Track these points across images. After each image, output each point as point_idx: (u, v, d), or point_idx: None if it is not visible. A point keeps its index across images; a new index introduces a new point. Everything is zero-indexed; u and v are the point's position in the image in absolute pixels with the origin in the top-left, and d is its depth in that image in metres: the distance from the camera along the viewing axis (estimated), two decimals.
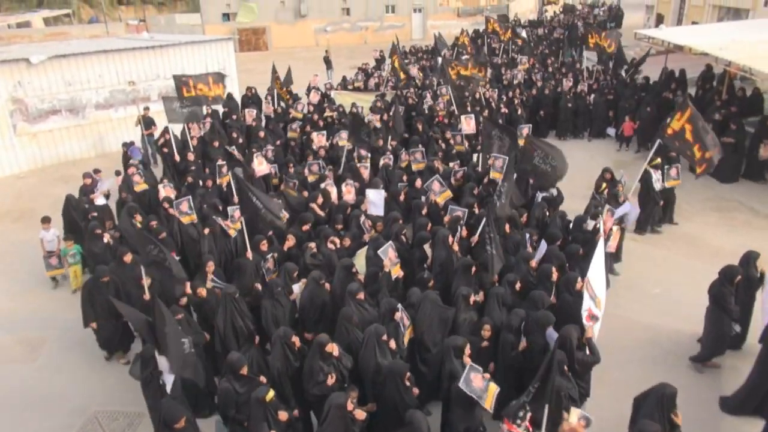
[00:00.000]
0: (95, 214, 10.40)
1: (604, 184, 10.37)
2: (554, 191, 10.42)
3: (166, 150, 13.47)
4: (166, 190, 10.60)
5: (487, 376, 5.51)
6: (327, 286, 7.44)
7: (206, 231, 9.05)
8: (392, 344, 6.34)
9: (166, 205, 10.01)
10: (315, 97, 17.44)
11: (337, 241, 8.62)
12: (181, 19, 41.13)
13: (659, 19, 31.34)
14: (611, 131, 16.90)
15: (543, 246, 8.50)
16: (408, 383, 5.81)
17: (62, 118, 16.98)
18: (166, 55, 18.68)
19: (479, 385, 5.35)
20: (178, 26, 37.73)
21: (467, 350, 6.04)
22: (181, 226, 9.60)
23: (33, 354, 8.78)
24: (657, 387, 5.42)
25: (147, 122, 15.40)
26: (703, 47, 15.13)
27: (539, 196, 10.19)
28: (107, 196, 11.54)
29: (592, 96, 17.54)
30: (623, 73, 19.46)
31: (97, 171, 12.44)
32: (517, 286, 7.32)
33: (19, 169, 16.42)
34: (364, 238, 8.97)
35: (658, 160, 10.95)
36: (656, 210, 11.26)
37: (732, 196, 12.84)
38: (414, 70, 21.39)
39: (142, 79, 18.09)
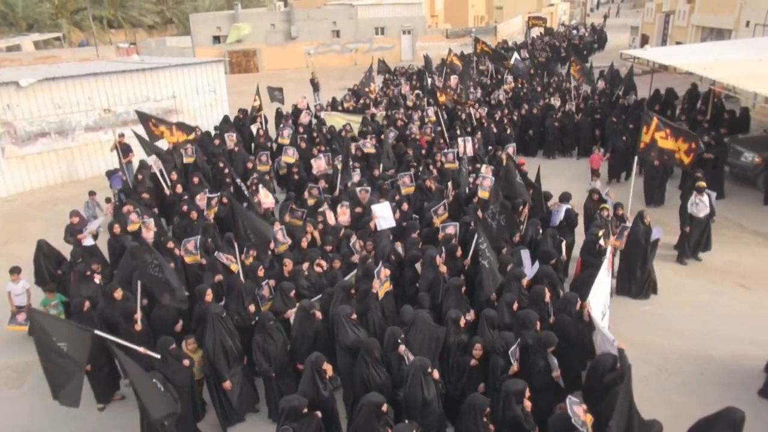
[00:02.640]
0: (80, 259, 9.29)
1: (603, 205, 10.40)
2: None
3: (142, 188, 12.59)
4: (147, 227, 9.98)
5: (585, 406, 5.31)
6: (318, 314, 7.26)
7: (217, 278, 8.46)
8: (435, 375, 6.19)
9: (172, 245, 9.43)
10: (305, 118, 17.49)
11: (324, 264, 8.60)
12: (172, 41, 41.29)
13: (644, 40, 31.93)
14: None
15: (536, 265, 8.50)
16: (486, 419, 5.65)
17: (51, 141, 16.91)
18: (157, 78, 18.72)
19: (583, 417, 5.18)
20: (168, 49, 37.91)
21: (527, 393, 5.77)
22: (185, 264, 9.25)
23: (19, 380, 8.63)
24: (725, 412, 5.10)
25: (124, 149, 14.56)
26: (688, 67, 15.39)
27: (562, 208, 10.14)
28: (95, 236, 10.68)
29: (580, 115, 17.71)
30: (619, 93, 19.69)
31: (92, 193, 12.27)
32: (514, 306, 7.24)
33: (6, 193, 16.30)
34: (353, 259, 8.93)
35: (702, 183, 10.61)
36: (695, 238, 10.80)
37: (719, 212, 12.93)
38: (405, 88, 21.63)
39: (132, 102, 18.09)
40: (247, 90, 23.01)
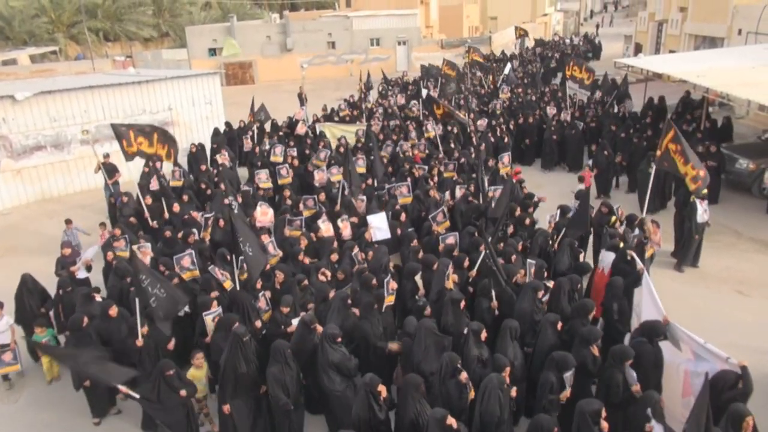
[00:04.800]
0: (69, 288, 8.75)
1: (614, 218, 10.33)
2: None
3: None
4: (144, 252, 9.43)
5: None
6: (319, 328, 7.10)
7: (214, 294, 8.20)
8: (513, 392, 6.01)
9: (162, 268, 8.91)
10: (302, 129, 17.51)
11: (328, 273, 8.54)
12: (168, 54, 41.33)
13: (638, 48, 32.14)
14: (590, 163, 15.51)
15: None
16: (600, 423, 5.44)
17: (47, 154, 16.89)
18: (153, 90, 18.73)
19: None
20: (164, 61, 37.98)
21: (603, 413, 5.44)
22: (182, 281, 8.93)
23: (14, 395, 8.55)
24: (730, 409, 5.32)
25: (109, 170, 13.99)
26: (682, 75, 15.48)
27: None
28: (89, 269, 9.80)
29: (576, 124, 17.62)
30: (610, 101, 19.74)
31: (68, 221, 11.61)
32: (559, 325, 6.98)
33: (2, 206, 16.25)
34: (354, 270, 8.85)
35: (705, 191, 10.63)
36: (696, 245, 10.93)
37: (716, 219, 12.96)
38: (400, 99, 21.70)
39: (128, 114, 18.08)
40: (243, 102, 23.09)
